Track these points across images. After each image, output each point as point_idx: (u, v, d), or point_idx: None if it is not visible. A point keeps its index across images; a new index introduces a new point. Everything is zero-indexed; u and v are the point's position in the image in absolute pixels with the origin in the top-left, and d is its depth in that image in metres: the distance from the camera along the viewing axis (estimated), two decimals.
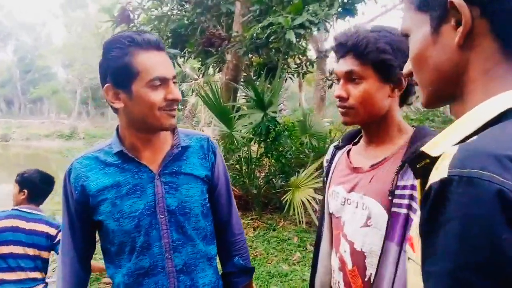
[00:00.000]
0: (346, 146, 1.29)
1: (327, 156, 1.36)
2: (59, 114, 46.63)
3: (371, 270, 1.08)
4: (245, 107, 6.17)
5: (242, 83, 6.92)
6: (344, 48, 1.12)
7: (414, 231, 0.56)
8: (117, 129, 1.26)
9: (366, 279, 1.09)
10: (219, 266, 1.41)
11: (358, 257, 1.11)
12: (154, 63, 1.13)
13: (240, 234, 1.44)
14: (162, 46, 1.17)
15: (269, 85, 5.78)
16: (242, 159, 6.26)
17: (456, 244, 0.47)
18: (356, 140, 1.28)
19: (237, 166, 6.40)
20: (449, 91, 0.64)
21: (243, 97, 6.71)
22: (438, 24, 0.62)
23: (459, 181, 0.47)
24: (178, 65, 8.09)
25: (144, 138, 1.22)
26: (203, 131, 8.90)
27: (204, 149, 1.33)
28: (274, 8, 5.27)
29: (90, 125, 34.17)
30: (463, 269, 0.46)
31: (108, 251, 1.25)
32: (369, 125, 1.17)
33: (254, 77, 7.16)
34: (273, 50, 6.69)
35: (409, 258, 0.61)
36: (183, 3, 7.23)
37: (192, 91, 13.12)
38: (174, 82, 1.17)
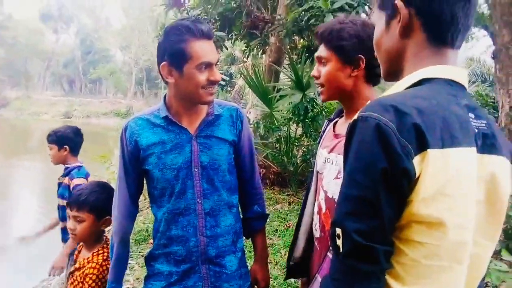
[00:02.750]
0: (336, 119, 1.54)
1: (323, 127, 1.61)
2: (116, 94, 48.91)
3: None
4: (285, 88, 6.38)
5: (284, 66, 7.12)
6: (317, 36, 1.41)
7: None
8: (164, 98, 1.54)
9: None
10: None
11: (330, 203, 1.35)
12: (203, 50, 1.39)
13: (259, 188, 1.72)
14: (211, 35, 1.42)
15: (309, 68, 5.95)
16: (282, 138, 6.51)
17: (353, 155, 0.73)
18: (343, 114, 1.52)
19: (277, 145, 6.67)
20: (396, 68, 0.89)
21: (285, 78, 6.92)
22: (388, 20, 0.86)
23: (360, 120, 0.74)
24: (226, 47, 8.41)
25: (186, 107, 1.50)
26: (249, 113, 9.18)
27: (233, 118, 1.59)
28: None
29: (144, 105, 35.50)
30: (354, 172, 0.73)
31: (153, 194, 1.54)
32: (343, 100, 1.43)
33: (298, 60, 7.34)
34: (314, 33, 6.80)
35: None
36: None
37: (240, 74, 13.43)
38: (216, 66, 1.43)
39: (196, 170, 1.48)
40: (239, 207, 1.66)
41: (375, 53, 0.95)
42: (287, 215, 5.22)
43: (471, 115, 0.78)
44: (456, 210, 0.71)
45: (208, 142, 1.51)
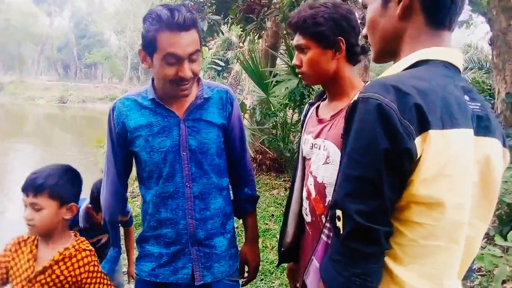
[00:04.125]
0: (317, 103, 1.53)
1: (304, 112, 1.60)
2: (111, 78, 48.48)
3: (329, 197, 1.33)
4: (282, 73, 6.35)
5: (280, 51, 7.06)
6: (292, 26, 1.40)
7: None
8: (152, 80, 1.52)
9: (326, 204, 1.34)
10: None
11: (320, 188, 1.36)
12: (172, 42, 1.30)
13: (250, 170, 1.72)
14: (187, 25, 1.31)
15: None
16: (278, 124, 6.51)
17: (354, 136, 0.73)
18: (324, 97, 1.50)
19: (273, 131, 6.67)
20: (391, 49, 0.88)
21: (281, 64, 6.87)
22: (386, 0, 0.86)
23: (361, 101, 0.74)
24: (222, 32, 8.32)
25: (169, 91, 1.44)
26: (246, 99, 9.14)
27: (222, 100, 1.56)
28: None
29: None
30: (354, 152, 0.73)
31: (141, 176, 1.55)
32: (325, 84, 1.43)
33: None
34: None
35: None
36: None
37: (237, 59, 13.33)
38: (193, 60, 1.35)
39: (185, 154, 1.48)
40: (229, 189, 1.67)
41: (366, 33, 0.94)
42: (283, 200, 5.24)
43: (467, 97, 0.79)
44: (455, 190, 0.72)
45: (197, 125, 1.50)
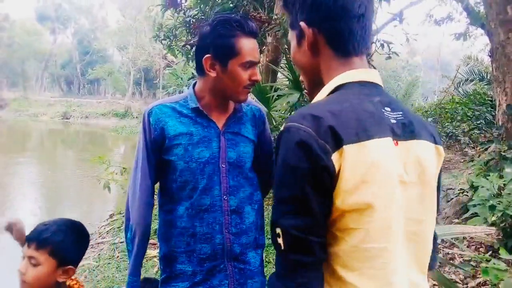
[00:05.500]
0: None
1: None
2: (114, 94, 48.85)
3: None
4: (283, 88, 6.38)
5: (281, 65, 7.12)
6: None
7: None
8: (193, 88, 1.51)
9: None
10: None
11: None
12: (251, 48, 1.39)
13: (273, 178, 1.72)
14: (256, 32, 1.42)
15: None
16: None
17: (281, 162, 0.81)
18: None
19: (275, 145, 6.66)
20: (317, 81, 0.96)
21: (283, 78, 6.91)
22: (299, 39, 0.95)
23: (285, 130, 0.82)
24: None
25: (218, 101, 1.49)
26: None
27: (255, 118, 1.60)
28: None
29: (143, 105, 35.44)
30: (282, 175, 0.81)
31: (169, 187, 1.48)
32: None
33: None
34: None
35: None
36: None
37: None
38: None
39: (224, 166, 1.47)
40: (262, 203, 1.65)
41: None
42: None
43: (387, 108, 0.88)
44: (380, 193, 0.80)
45: (235, 138, 1.51)
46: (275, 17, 6.28)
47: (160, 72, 35.20)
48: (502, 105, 4.23)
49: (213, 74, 1.42)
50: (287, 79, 6.42)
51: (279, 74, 7.17)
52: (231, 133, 1.51)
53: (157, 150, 1.47)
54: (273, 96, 6.12)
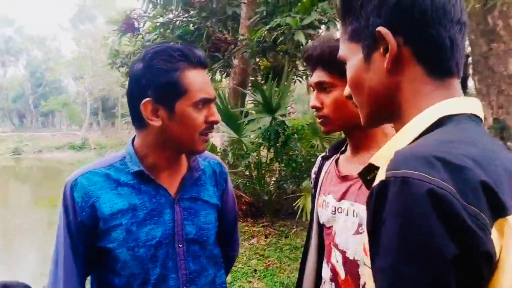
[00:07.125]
0: (334, 156, 1.28)
1: (315, 168, 1.35)
2: (70, 125, 47.30)
3: (364, 279, 1.03)
4: (253, 112, 6.05)
5: (249, 88, 6.81)
6: (311, 60, 1.17)
7: (366, 237, 0.57)
8: (132, 144, 1.13)
9: None
10: None
11: (352, 266, 1.08)
12: (202, 83, 1.06)
13: (237, 251, 1.47)
14: (207, 63, 1.11)
15: (276, 88, 5.65)
16: (252, 165, 6.14)
17: (395, 240, 0.50)
18: (343, 149, 1.27)
19: (247, 172, 6.27)
20: (385, 111, 0.70)
21: (251, 101, 6.60)
22: (369, 52, 0.68)
23: (394, 181, 0.51)
24: None
25: (169, 158, 1.12)
26: (212, 137, 8.79)
27: (216, 175, 1.27)
28: (281, 8, 5.15)
29: (101, 136, 34.44)
30: (401, 263, 0.49)
31: (110, 284, 1.09)
32: (351, 132, 1.17)
33: (262, 81, 7.04)
34: (281, 52, 6.57)
35: (364, 264, 0.63)
36: (188, 8, 7.16)
37: None
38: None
39: (180, 246, 1.11)
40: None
41: (353, 94, 0.74)
42: (264, 250, 4.76)
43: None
44: None
45: (194, 206, 1.16)
46: (241, 37, 5.98)
47: (118, 101, 34.35)
48: (488, 119, 4.06)
49: (157, 122, 1.05)
50: (256, 102, 6.10)
51: (247, 97, 6.83)
52: (188, 200, 1.15)
53: (88, 236, 1.07)
54: (243, 121, 5.76)
